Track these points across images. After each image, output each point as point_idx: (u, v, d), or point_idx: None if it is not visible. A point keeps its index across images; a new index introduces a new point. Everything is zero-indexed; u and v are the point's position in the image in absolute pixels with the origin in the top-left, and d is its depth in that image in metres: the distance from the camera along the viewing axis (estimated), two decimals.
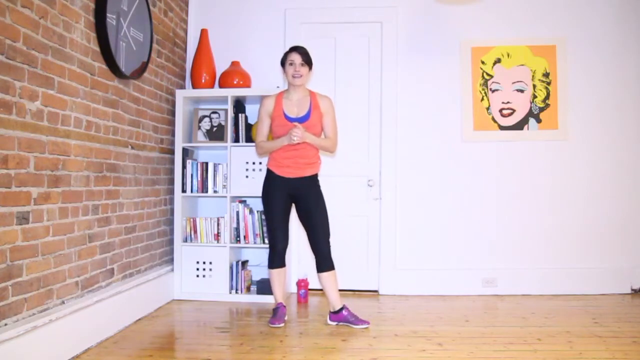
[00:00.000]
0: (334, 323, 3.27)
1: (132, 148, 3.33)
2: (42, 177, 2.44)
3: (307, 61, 3.23)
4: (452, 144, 4.14)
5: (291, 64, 3.21)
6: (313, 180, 3.31)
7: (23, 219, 2.31)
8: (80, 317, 2.67)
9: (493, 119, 4.11)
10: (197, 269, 3.87)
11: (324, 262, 3.24)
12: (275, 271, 3.32)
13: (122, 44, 3.07)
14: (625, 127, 4.10)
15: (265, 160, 3.84)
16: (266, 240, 3.85)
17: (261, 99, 3.37)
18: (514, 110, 4.11)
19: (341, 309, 3.23)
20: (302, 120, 3.22)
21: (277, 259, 3.31)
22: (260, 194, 3.84)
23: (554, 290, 4.03)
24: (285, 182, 3.26)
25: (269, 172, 3.33)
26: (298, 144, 3.17)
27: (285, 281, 3.40)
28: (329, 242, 3.27)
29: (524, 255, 4.09)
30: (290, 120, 3.22)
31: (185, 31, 4.22)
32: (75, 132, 2.70)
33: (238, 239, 3.89)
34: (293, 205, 3.36)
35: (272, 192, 3.28)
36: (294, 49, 3.24)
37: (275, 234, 3.29)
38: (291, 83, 3.24)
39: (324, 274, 3.25)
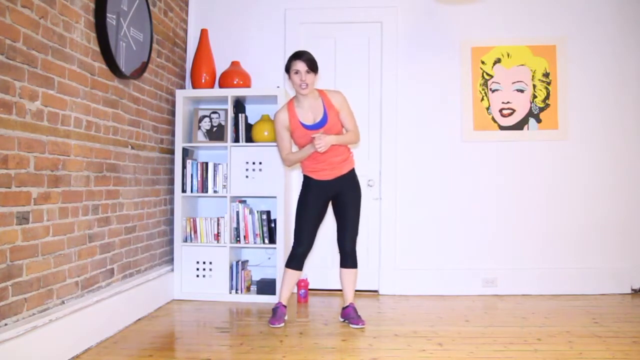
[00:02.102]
0: (342, 319, 3.31)
1: (132, 148, 3.33)
2: (42, 177, 2.44)
3: (313, 67, 3.10)
4: (452, 144, 4.14)
5: (297, 73, 3.09)
6: (352, 177, 3.30)
7: (23, 219, 2.31)
8: (80, 317, 2.67)
9: (493, 119, 4.11)
10: (197, 269, 3.87)
11: (348, 260, 3.29)
12: (290, 271, 3.29)
13: (122, 44, 3.07)
14: (625, 127, 4.10)
15: (265, 160, 3.85)
16: (266, 240, 3.87)
17: (275, 115, 3.26)
18: (514, 110, 4.11)
19: (348, 305, 3.27)
20: (320, 125, 3.16)
21: (295, 261, 3.28)
22: (260, 194, 3.88)
23: (554, 290, 4.04)
24: (325, 185, 3.25)
25: (306, 178, 3.30)
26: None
27: (295, 284, 3.39)
28: (355, 241, 3.30)
29: (524, 255, 4.09)
30: (309, 128, 3.17)
31: (185, 31, 4.22)
32: (75, 132, 2.70)
33: (238, 239, 3.89)
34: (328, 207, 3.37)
35: (310, 199, 3.26)
36: (298, 56, 3.09)
37: (300, 237, 3.26)
38: (298, 93, 3.15)
39: (345, 270, 3.31)
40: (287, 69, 3.15)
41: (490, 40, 4.12)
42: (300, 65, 3.08)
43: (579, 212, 4.09)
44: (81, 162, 2.76)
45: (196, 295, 3.86)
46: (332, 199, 3.31)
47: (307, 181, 3.30)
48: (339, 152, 3.23)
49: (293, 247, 3.30)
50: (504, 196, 4.11)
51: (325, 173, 3.24)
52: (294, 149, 3.34)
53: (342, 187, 3.26)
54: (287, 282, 3.31)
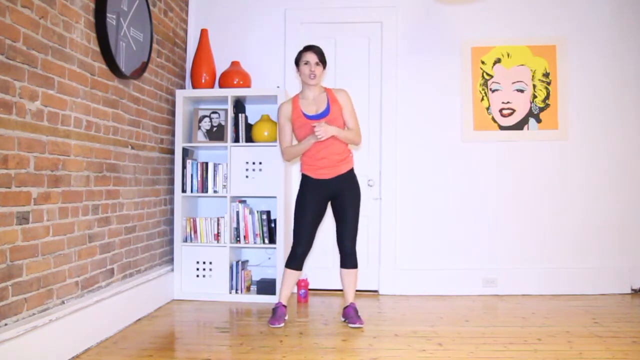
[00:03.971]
0: (343, 319, 3.31)
1: (132, 148, 3.33)
2: (42, 177, 2.44)
3: (322, 60, 3.23)
4: (452, 144, 4.14)
5: (306, 64, 3.19)
6: (351, 177, 3.29)
7: (23, 219, 2.31)
8: (80, 317, 2.67)
9: (493, 119, 4.11)
10: (197, 269, 3.87)
11: (348, 260, 3.28)
12: (289, 271, 3.29)
13: (122, 44, 3.07)
14: (625, 127, 4.10)
15: (265, 160, 3.85)
16: (266, 240, 3.87)
17: (278, 107, 3.33)
18: (514, 110, 4.11)
19: (349, 305, 3.28)
20: (322, 115, 3.20)
21: (294, 261, 3.28)
22: (260, 194, 3.87)
23: (554, 290, 4.04)
24: (324, 184, 3.24)
25: (304, 177, 3.30)
26: (327, 139, 3.15)
27: (294, 284, 3.38)
28: (355, 241, 3.29)
29: (524, 255, 4.09)
30: (310, 118, 3.20)
31: (185, 31, 4.22)
32: (75, 132, 2.70)
33: (238, 239, 3.89)
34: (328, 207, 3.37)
35: (307, 198, 3.25)
36: (309, 48, 3.22)
37: (299, 238, 3.26)
38: (306, 83, 3.23)
39: (345, 271, 3.30)
40: (297, 61, 3.25)
41: (490, 40, 4.12)
42: (311, 57, 3.19)
43: (579, 212, 4.09)
44: (81, 162, 2.76)
45: (196, 295, 3.86)
46: (331, 199, 3.30)
47: (305, 180, 3.30)
48: (338, 150, 3.23)
49: (292, 247, 3.30)
50: (503, 196, 4.11)
51: (324, 171, 3.23)
52: (295, 144, 3.34)
53: (341, 187, 3.25)
54: (287, 282, 3.31)
